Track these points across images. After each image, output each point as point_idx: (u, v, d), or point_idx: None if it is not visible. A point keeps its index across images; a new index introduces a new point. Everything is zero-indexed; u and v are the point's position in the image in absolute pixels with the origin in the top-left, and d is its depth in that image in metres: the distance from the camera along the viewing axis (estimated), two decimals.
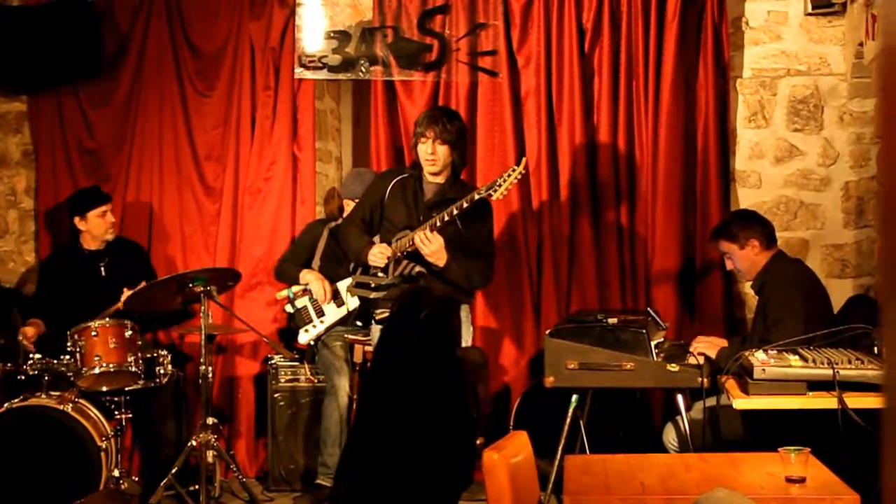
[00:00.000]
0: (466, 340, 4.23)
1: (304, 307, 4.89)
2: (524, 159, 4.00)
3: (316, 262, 5.02)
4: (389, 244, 4.14)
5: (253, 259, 5.34)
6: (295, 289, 4.91)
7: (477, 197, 3.85)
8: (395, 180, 4.21)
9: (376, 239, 4.30)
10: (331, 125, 5.82)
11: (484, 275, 4.22)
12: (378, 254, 4.12)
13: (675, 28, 5.01)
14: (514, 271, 5.17)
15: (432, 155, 4.05)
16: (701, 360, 3.80)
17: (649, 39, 5.05)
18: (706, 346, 3.99)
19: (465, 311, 4.24)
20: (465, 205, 3.87)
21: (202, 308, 4.42)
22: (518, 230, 5.18)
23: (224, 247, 5.37)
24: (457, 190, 4.13)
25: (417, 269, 4.01)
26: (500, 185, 3.88)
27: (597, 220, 5.14)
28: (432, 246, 3.93)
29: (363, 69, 5.28)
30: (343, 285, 4.82)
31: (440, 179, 4.16)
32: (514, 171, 3.91)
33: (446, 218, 3.89)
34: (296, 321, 4.92)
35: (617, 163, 5.12)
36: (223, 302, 4.83)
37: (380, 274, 4.13)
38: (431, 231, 3.90)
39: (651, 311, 4.32)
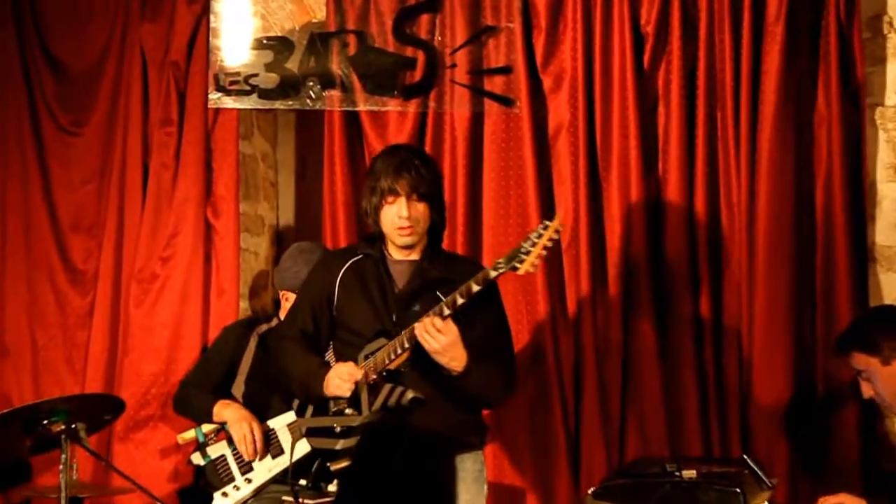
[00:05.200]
0: (479, 503, 4.20)
1: (222, 457, 4.79)
2: (559, 213, 3.97)
3: (239, 387, 4.96)
4: (355, 363, 4.04)
5: (142, 382, 5.30)
6: (206, 428, 4.84)
7: (494, 275, 3.83)
8: (345, 267, 4.18)
9: (329, 356, 4.24)
10: (263, 178, 5.87)
11: (507, 381, 4.19)
12: (341, 377, 4.00)
13: (780, 33, 5.04)
14: (539, 400, 5.13)
15: (408, 220, 4.03)
16: None
17: (741, 50, 5.07)
18: None
19: (477, 460, 4.20)
20: (474, 287, 3.84)
21: (63, 457, 4.38)
22: (545, 337, 5.15)
23: (98, 363, 5.34)
24: (439, 267, 4.12)
25: (411, 394, 3.92)
26: (526, 252, 3.82)
27: (663, 322, 5.13)
28: (444, 339, 3.85)
29: (312, 94, 5.31)
30: (281, 423, 4.77)
31: (413, 255, 4.14)
32: (545, 228, 3.86)
33: (459, 300, 3.85)
34: (208, 478, 4.81)
35: (694, 235, 5.12)
36: (95, 447, 4.78)
37: (348, 410, 4.02)
38: (442, 318, 3.85)
39: (749, 461, 4.32)
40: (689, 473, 3.96)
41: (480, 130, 5.28)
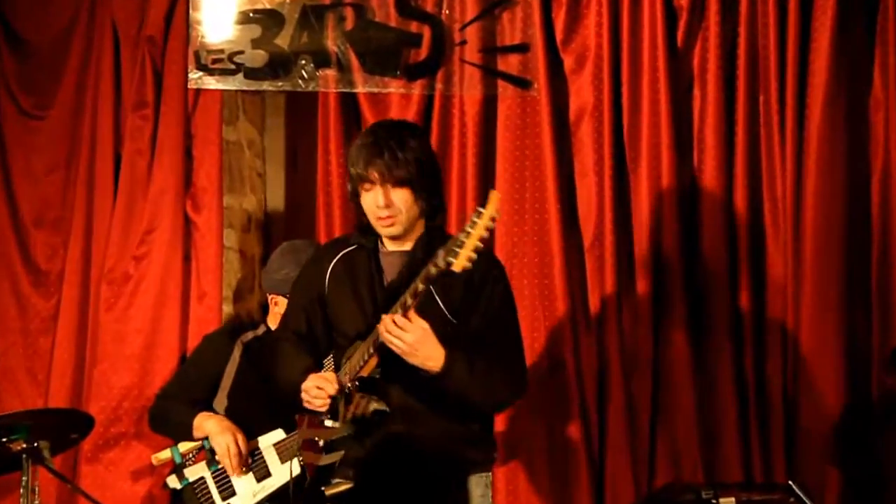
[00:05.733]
0: None
1: (201, 480, 4.68)
2: (493, 194, 3.68)
3: (221, 402, 4.84)
4: (340, 368, 3.99)
5: (113, 395, 5.19)
6: (185, 447, 4.73)
7: (434, 272, 3.66)
8: (335, 259, 4.12)
9: (330, 362, 4.13)
10: (249, 168, 5.69)
11: (510, 379, 4.02)
12: (314, 389, 3.89)
13: (831, 6, 4.91)
14: (558, 416, 5.01)
15: (386, 209, 3.93)
16: None
17: (787, 25, 4.96)
18: None
19: (480, 484, 4.05)
20: (419, 287, 3.70)
21: (24, 479, 4.32)
22: (565, 346, 5.03)
23: (63, 373, 5.25)
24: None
25: (374, 405, 3.82)
26: (460, 245, 3.61)
27: (698, 329, 5.02)
28: (410, 335, 3.74)
29: (305, 74, 5.20)
30: (267, 443, 4.68)
31: (407, 244, 4.03)
32: (479, 215, 3.62)
33: (420, 287, 3.70)
34: (185, 502, 4.70)
35: (733, 232, 5.02)
36: (60, 469, 4.74)
37: (327, 422, 3.91)
38: (404, 313, 3.74)
39: (795, 487, 4.27)
40: (728, 501, 3.99)
41: (493, 115, 5.16)
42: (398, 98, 5.19)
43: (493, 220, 3.63)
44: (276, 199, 5.88)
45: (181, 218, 5.26)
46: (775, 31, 4.94)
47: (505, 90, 5.12)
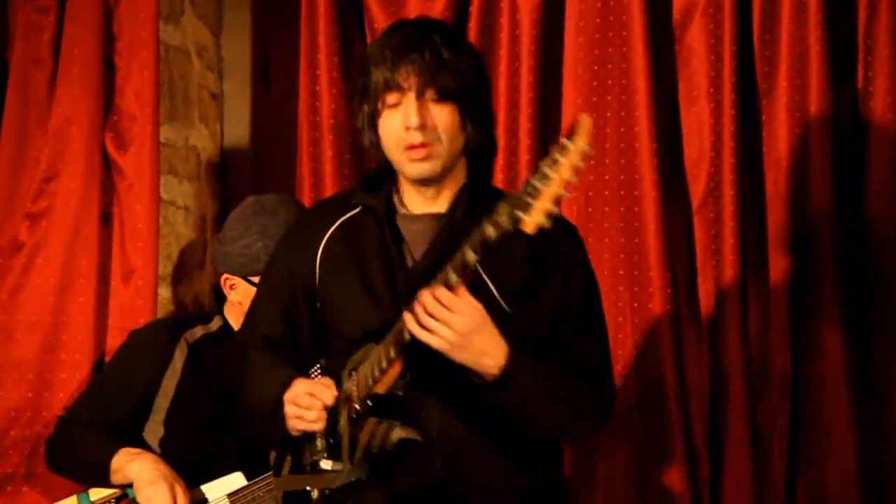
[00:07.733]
0: None
1: None
2: (583, 118, 3.15)
3: (155, 430, 4.39)
4: (338, 382, 3.57)
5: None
6: (98, 495, 4.33)
7: (493, 233, 3.25)
8: (332, 229, 3.78)
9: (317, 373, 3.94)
10: (198, 86, 5.42)
11: (595, 397, 3.68)
12: (305, 398, 3.54)
13: None
14: (652, 455, 4.58)
15: (420, 132, 3.52)
16: None
17: None
18: None
19: None
20: (469, 257, 3.29)
21: None
22: (663, 356, 4.55)
23: None
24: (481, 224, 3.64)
25: (398, 434, 3.44)
26: (533, 194, 3.20)
27: (860, 332, 4.50)
28: (459, 318, 3.37)
29: None
30: (220, 493, 4.31)
31: (439, 204, 3.68)
32: (562, 150, 3.14)
33: (470, 257, 3.31)
34: None
35: None
36: None
37: (324, 463, 3.55)
38: (453, 287, 3.37)
39: None
40: None
41: (560, 11, 4.64)
42: None
43: (582, 157, 3.11)
44: (239, 131, 5.59)
45: (98, 159, 4.78)
46: None
47: None
